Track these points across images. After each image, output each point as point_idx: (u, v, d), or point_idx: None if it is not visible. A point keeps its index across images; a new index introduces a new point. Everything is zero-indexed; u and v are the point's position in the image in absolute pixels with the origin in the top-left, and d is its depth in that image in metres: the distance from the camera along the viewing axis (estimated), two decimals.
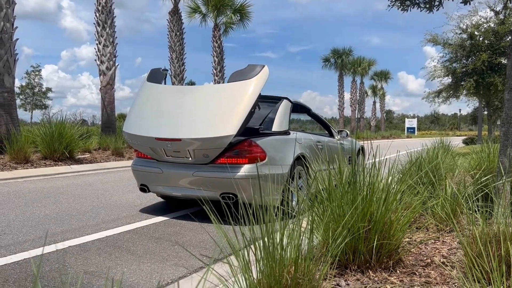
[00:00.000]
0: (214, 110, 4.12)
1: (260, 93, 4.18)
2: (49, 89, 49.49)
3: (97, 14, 14.19)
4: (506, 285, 2.03)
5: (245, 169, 4.08)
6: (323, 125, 6.36)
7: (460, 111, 69.51)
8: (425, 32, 19.04)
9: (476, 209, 2.71)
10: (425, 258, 2.74)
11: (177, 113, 4.26)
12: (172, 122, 4.18)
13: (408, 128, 53.51)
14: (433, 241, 3.12)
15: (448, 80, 17.50)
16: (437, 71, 17.43)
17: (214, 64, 21.82)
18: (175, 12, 19.48)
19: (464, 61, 16.16)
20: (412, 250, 2.87)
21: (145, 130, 4.24)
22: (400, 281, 2.35)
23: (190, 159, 4.22)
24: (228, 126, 3.91)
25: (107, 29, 14.10)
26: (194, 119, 4.12)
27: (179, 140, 4.01)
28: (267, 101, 5.08)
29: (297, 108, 5.51)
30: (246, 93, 4.08)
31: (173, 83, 19.38)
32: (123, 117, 35.58)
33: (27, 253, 3.16)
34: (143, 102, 4.56)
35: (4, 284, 2.55)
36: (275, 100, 5.03)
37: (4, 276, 2.69)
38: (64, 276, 2.69)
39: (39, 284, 2.42)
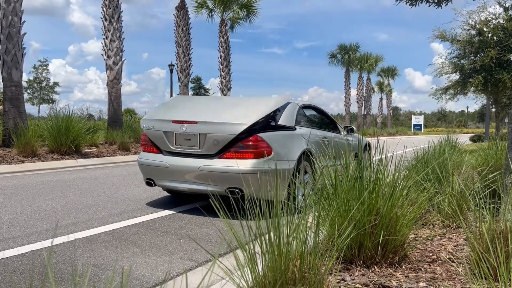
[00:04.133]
0: (236, 110, 4.47)
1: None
2: (56, 84, 49.89)
3: (104, 9, 14.21)
4: None
5: (251, 164, 4.08)
6: (330, 121, 6.34)
7: (467, 108, 69.06)
8: (433, 28, 18.81)
9: (483, 206, 2.69)
10: (431, 254, 2.73)
11: (200, 108, 4.69)
12: (193, 111, 4.59)
13: (414, 125, 53.11)
14: (439, 237, 3.11)
15: (455, 76, 17.29)
16: (445, 67, 17.22)
17: (220, 60, 21.79)
18: (182, 7, 19.46)
19: (472, 57, 15.98)
20: (418, 246, 2.86)
21: (164, 115, 4.63)
22: (405, 276, 2.35)
23: (198, 148, 4.26)
24: (245, 118, 4.19)
25: (114, 23, 14.12)
26: (215, 112, 4.50)
27: (195, 122, 4.27)
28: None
29: (304, 107, 5.53)
30: (269, 102, 4.58)
31: (179, 78, 19.44)
32: (129, 112, 35.73)
33: (34, 245, 3.19)
34: (170, 104, 5.05)
35: (11, 275, 2.58)
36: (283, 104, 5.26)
37: (11, 267, 2.72)
38: (71, 268, 2.71)
39: (51, 274, 2.44)
